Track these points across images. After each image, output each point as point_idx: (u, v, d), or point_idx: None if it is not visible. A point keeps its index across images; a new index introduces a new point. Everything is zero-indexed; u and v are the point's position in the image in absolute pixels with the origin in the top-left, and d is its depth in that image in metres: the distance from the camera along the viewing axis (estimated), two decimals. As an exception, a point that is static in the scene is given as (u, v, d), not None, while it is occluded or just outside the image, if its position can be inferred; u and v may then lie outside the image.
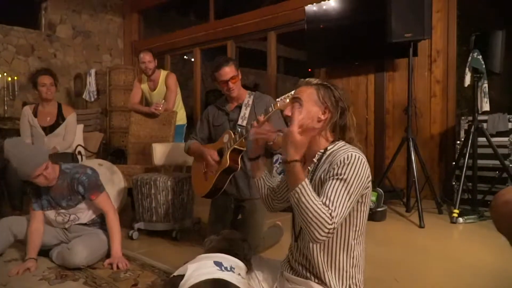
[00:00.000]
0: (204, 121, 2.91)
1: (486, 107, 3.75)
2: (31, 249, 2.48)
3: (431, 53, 4.52)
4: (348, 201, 1.37)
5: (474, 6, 5.44)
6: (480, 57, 3.63)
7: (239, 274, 1.59)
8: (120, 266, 2.42)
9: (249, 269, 1.74)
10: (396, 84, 4.75)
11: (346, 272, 1.50)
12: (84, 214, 2.63)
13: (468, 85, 3.76)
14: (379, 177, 4.26)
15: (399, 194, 4.16)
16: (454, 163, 4.01)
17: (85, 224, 2.66)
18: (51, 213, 2.59)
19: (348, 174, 1.39)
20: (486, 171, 3.92)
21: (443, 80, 4.51)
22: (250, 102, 2.74)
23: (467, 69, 3.72)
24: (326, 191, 1.38)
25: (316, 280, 1.52)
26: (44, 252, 2.59)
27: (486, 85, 3.73)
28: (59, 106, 3.92)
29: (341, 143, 1.55)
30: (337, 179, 1.39)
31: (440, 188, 4.31)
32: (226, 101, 2.85)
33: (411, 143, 3.76)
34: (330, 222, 1.32)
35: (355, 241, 1.51)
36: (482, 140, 3.79)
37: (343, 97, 1.59)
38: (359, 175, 1.40)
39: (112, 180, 3.45)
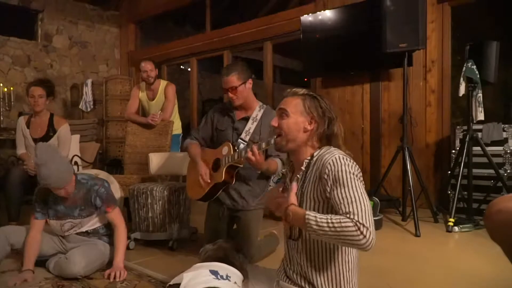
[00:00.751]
0: (208, 121, 2.84)
1: (481, 116, 3.78)
2: (27, 259, 2.46)
3: (426, 63, 4.56)
4: (362, 197, 1.37)
5: (468, 16, 5.50)
6: (474, 67, 3.66)
7: (235, 283, 1.59)
8: (116, 277, 2.40)
9: (245, 278, 1.74)
10: (392, 94, 4.78)
11: (342, 276, 1.51)
12: (89, 223, 2.64)
13: (463, 94, 3.78)
14: (375, 186, 4.28)
15: (395, 203, 4.18)
16: (449, 172, 4.03)
17: (85, 233, 2.65)
18: (54, 223, 2.58)
19: (343, 176, 1.40)
20: (481, 180, 3.93)
21: (438, 89, 4.55)
22: (258, 118, 2.66)
23: (461, 78, 3.75)
24: (338, 204, 1.38)
25: None
26: (41, 262, 2.58)
27: (480, 94, 3.75)
28: (51, 117, 3.86)
29: (325, 148, 1.56)
30: (337, 186, 1.40)
31: (436, 197, 4.33)
32: (234, 107, 2.75)
33: (406, 152, 3.78)
34: (353, 223, 1.30)
35: (349, 249, 1.52)
36: (477, 149, 3.81)
37: (329, 108, 1.60)
38: (352, 171, 1.42)
39: (109, 190, 3.44)
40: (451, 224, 3.54)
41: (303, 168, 1.58)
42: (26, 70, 6.72)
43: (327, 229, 1.32)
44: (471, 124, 3.80)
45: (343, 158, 1.44)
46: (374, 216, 3.59)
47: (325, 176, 1.44)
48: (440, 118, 4.58)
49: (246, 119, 2.68)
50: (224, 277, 1.58)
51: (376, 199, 3.71)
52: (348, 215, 1.33)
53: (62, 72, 7.19)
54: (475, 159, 3.87)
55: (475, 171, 3.88)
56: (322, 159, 1.49)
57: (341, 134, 1.61)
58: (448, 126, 4.57)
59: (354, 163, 1.46)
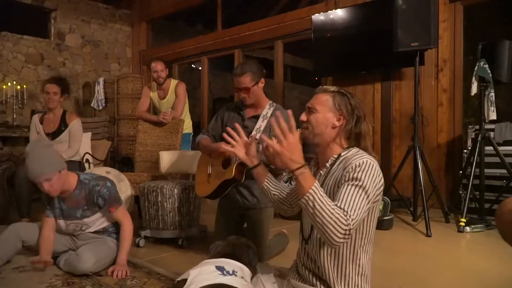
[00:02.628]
0: (218, 119, 2.85)
1: (493, 116, 3.74)
2: (44, 252, 2.50)
3: (438, 62, 4.52)
4: (363, 204, 1.37)
5: (480, 15, 5.44)
6: (486, 66, 3.63)
7: (242, 277, 1.59)
8: (118, 275, 2.40)
9: (254, 274, 1.74)
10: (403, 93, 4.75)
11: (352, 280, 1.51)
12: (96, 223, 2.65)
13: (475, 94, 3.75)
14: (385, 186, 4.24)
15: (406, 203, 4.15)
16: (461, 172, 3.99)
17: (94, 232, 2.66)
18: (62, 222, 2.61)
19: (363, 179, 1.40)
20: (493, 180, 3.90)
21: (449, 89, 4.51)
22: (269, 115, 2.66)
23: (473, 78, 3.72)
24: (341, 195, 1.39)
25: (323, 287, 1.52)
26: (52, 259, 2.59)
27: (493, 94, 3.72)
28: (63, 113, 3.94)
29: (355, 150, 1.55)
30: (352, 184, 1.40)
31: (447, 197, 4.29)
32: (245, 105, 2.76)
33: (417, 152, 3.75)
34: (346, 223, 1.31)
35: (362, 249, 1.52)
36: (489, 149, 3.77)
37: (359, 105, 1.59)
38: (374, 180, 1.42)
39: (119, 187, 3.45)
40: (462, 224, 3.51)
41: (327, 165, 1.58)
42: (39, 68, 6.80)
43: (318, 208, 1.33)
44: (483, 123, 3.77)
45: (370, 165, 1.43)
46: (385, 216, 3.61)
47: (349, 170, 1.43)
48: (452, 117, 4.54)
49: (256, 117, 2.69)
50: (231, 272, 1.58)
51: (387, 199, 3.69)
52: (343, 209, 1.35)
53: (74, 70, 7.27)
54: (487, 159, 3.83)
55: (487, 171, 3.85)
56: (349, 160, 1.47)
57: (369, 134, 1.60)
58: (460, 125, 4.53)
59: (380, 174, 1.46)
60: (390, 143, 4.83)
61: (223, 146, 2.57)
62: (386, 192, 3.95)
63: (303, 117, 1.63)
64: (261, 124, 2.65)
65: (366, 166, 1.42)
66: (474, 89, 3.74)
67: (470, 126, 4.13)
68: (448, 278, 2.49)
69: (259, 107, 2.72)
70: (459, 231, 3.49)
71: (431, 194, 3.81)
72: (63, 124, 3.88)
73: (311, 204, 1.34)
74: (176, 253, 2.99)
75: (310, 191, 1.35)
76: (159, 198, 3.09)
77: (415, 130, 3.84)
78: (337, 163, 1.54)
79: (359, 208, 1.35)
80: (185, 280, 1.56)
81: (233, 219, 2.79)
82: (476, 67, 3.69)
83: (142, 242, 3.13)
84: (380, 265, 2.55)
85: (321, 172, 1.60)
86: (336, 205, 1.35)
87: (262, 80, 2.69)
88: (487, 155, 3.82)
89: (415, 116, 3.85)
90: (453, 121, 4.53)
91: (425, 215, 3.46)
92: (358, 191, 1.38)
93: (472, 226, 3.53)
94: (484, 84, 3.69)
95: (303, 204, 1.37)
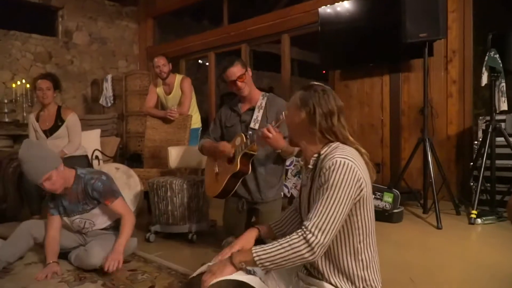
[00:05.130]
0: (217, 121, 2.93)
1: (504, 106, 3.70)
2: (50, 254, 2.51)
3: (447, 53, 4.47)
4: (335, 211, 1.38)
5: (490, 5, 5.36)
6: (497, 56, 3.59)
7: (260, 278, 1.58)
8: (110, 267, 2.35)
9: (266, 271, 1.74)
10: (412, 85, 4.71)
11: (357, 275, 1.49)
12: (100, 219, 2.65)
13: (485, 84, 3.71)
14: (395, 178, 4.23)
15: (415, 195, 4.12)
16: (471, 163, 3.96)
17: (102, 229, 2.68)
18: (66, 220, 2.63)
19: (334, 182, 1.39)
20: (505, 171, 3.87)
21: (459, 80, 4.46)
22: (263, 105, 2.73)
23: (484, 68, 3.68)
24: (312, 209, 1.42)
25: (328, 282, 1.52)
26: (63, 254, 2.63)
27: (503, 84, 3.68)
28: (58, 108, 3.92)
29: (334, 145, 1.52)
30: (323, 193, 1.41)
31: (458, 189, 4.26)
32: (239, 101, 2.85)
33: (427, 144, 3.72)
34: (306, 243, 1.36)
35: (362, 244, 1.50)
36: (500, 140, 3.74)
37: (326, 99, 1.53)
38: (346, 179, 1.39)
39: (129, 183, 3.49)
40: (473, 216, 3.48)
41: (310, 166, 1.56)
42: (47, 67, 6.83)
43: (276, 251, 1.40)
44: (494, 114, 3.72)
45: (340, 164, 1.40)
46: (395, 209, 3.60)
47: (321, 174, 1.44)
48: (462, 109, 4.49)
49: (252, 109, 2.76)
50: (252, 272, 1.56)
51: (397, 191, 3.67)
52: (304, 222, 1.40)
53: (82, 68, 7.30)
54: (498, 150, 3.80)
55: (498, 162, 3.81)
56: (326, 159, 1.46)
57: (343, 126, 1.54)
58: (470, 117, 4.49)
59: (352, 169, 1.41)
60: (399, 136, 4.79)
61: (224, 143, 2.65)
62: (395, 185, 3.93)
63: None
64: (257, 114, 2.71)
65: (336, 166, 1.40)
66: (484, 80, 3.70)
67: (480, 117, 4.09)
68: (459, 271, 2.47)
69: (252, 99, 2.79)
70: (470, 223, 3.47)
71: (441, 186, 3.79)
72: (59, 120, 3.85)
73: (267, 264, 1.41)
74: (186, 248, 3.01)
75: (255, 258, 1.41)
76: (169, 193, 3.10)
77: (424, 122, 3.81)
78: (319, 162, 1.51)
79: (328, 219, 1.37)
80: (200, 275, 1.56)
81: (242, 213, 2.79)
82: (486, 57, 3.65)
83: (152, 237, 3.15)
84: (390, 258, 2.54)
85: (306, 175, 1.59)
86: (286, 237, 1.41)
87: (249, 69, 2.78)
88: (498, 146, 3.78)
89: (425, 108, 3.81)
90: (463, 113, 4.49)
91: (436, 208, 3.44)
92: (327, 200, 1.39)
93: (483, 218, 3.50)
94: (495, 74, 3.65)
95: (264, 268, 1.44)
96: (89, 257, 2.43)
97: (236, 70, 2.69)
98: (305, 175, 1.64)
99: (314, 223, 1.38)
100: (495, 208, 3.72)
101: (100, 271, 2.42)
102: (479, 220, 3.47)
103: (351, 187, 1.40)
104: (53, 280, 2.35)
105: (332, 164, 1.41)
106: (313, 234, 1.36)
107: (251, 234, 1.74)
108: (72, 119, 3.90)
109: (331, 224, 1.38)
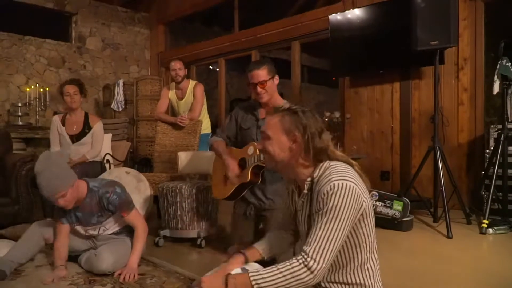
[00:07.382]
0: (233, 119, 2.83)
1: (516, 115, 3.67)
2: (58, 259, 2.52)
3: (458, 61, 4.45)
4: (335, 234, 1.37)
5: (502, 13, 5.33)
6: (509, 64, 3.56)
7: None
8: (126, 278, 2.38)
9: None
10: (422, 92, 4.69)
11: (363, 285, 1.50)
12: (111, 225, 2.67)
13: (497, 92, 3.69)
14: (405, 186, 4.20)
15: (426, 203, 4.09)
16: (483, 172, 3.92)
17: (112, 233, 2.69)
18: (80, 228, 2.63)
19: (334, 206, 1.37)
20: (517, 180, 3.82)
21: (470, 88, 4.43)
22: None
23: (495, 76, 3.66)
24: (311, 233, 1.39)
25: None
26: (74, 257, 2.64)
27: (516, 92, 3.65)
28: (86, 115, 3.98)
29: (325, 165, 1.49)
30: (322, 213, 1.39)
31: (469, 198, 4.21)
32: (259, 105, 2.74)
33: (438, 152, 3.70)
34: (306, 268, 1.34)
35: (368, 254, 1.50)
36: (512, 149, 3.70)
37: (312, 121, 1.51)
38: (346, 201, 1.38)
39: (139, 188, 3.51)
40: (485, 225, 3.44)
41: (305, 191, 1.53)
42: (60, 71, 6.94)
43: (276, 279, 1.36)
44: (506, 122, 3.69)
45: (339, 188, 1.38)
46: (404, 217, 3.57)
47: (319, 199, 1.41)
48: (473, 117, 4.46)
49: None
50: None
51: (407, 199, 3.64)
52: (304, 248, 1.38)
53: (95, 73, 7.38)
54: (511, 159, 3.75)
55: (510, 171, 3.77)
56: (322, 183, 1.43)
57: (328, 145, 1.52)
58: (481, 125, 4.45)
59: (352, 189, 1.39)
60: (410, 143, 4.77)
61: (233, 163, 2.60)
62: (405, 193, 3.91)
63: (259, 146, 1.62)
64: None
65: (335, 190, 1.38)
66: (496, 88, 3.67)
67: (492, 126, 4.05)
68: (470, 281, 2.45)
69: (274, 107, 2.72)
70: (481, 232, 3.43)
71: (451, 195, 3.75)
72: (87, 127, 3.91)
73: (263, 282, 1.38)
74: (195, 253, 3.02)
75: (254, 285, 1.38)
76: (178, 198, 3.12)
77: (435, 130, 3.78)
78: (314, 185, 1.49)
79: (329, 244, 1.36)
80: None
81: (249, 220, 2.79)
82: (498, 65, 3.62)
83: (161, 242, 3.16)
84: (399, 266, 2.53)
85: (302, 200, 1.56)
86: (285, 263, 1.38)
87: (277, 77, 2.68)
88: (510, 155, 3.74)
89: (435, 116, 3.79)
90: (474, 121, 4.45)
91: (446, 216, 3.41)
92: (327, 225, 1.37)
93: (495, 228, 3.45)
94: (507, 82, 3.62)
95: None
96: (99, 262, 2.44)
97: (260, 74, 2.58)
98: (300, 199, 1.59)
99: (314, 248, 1.36)
100: (507, 218, 3.67)
101: (109, 275, 2.44)
102: (490, 230, 3.43)
103: (352, 209, 1.39)
104: (63, 282, 2.37)
105: (331, 189, 1.38)
106: (314, 260, 1.35)
107: (237, 261, 1.67)
108: (99, 127, 3.97)
109: (331, 248, 1.37)
